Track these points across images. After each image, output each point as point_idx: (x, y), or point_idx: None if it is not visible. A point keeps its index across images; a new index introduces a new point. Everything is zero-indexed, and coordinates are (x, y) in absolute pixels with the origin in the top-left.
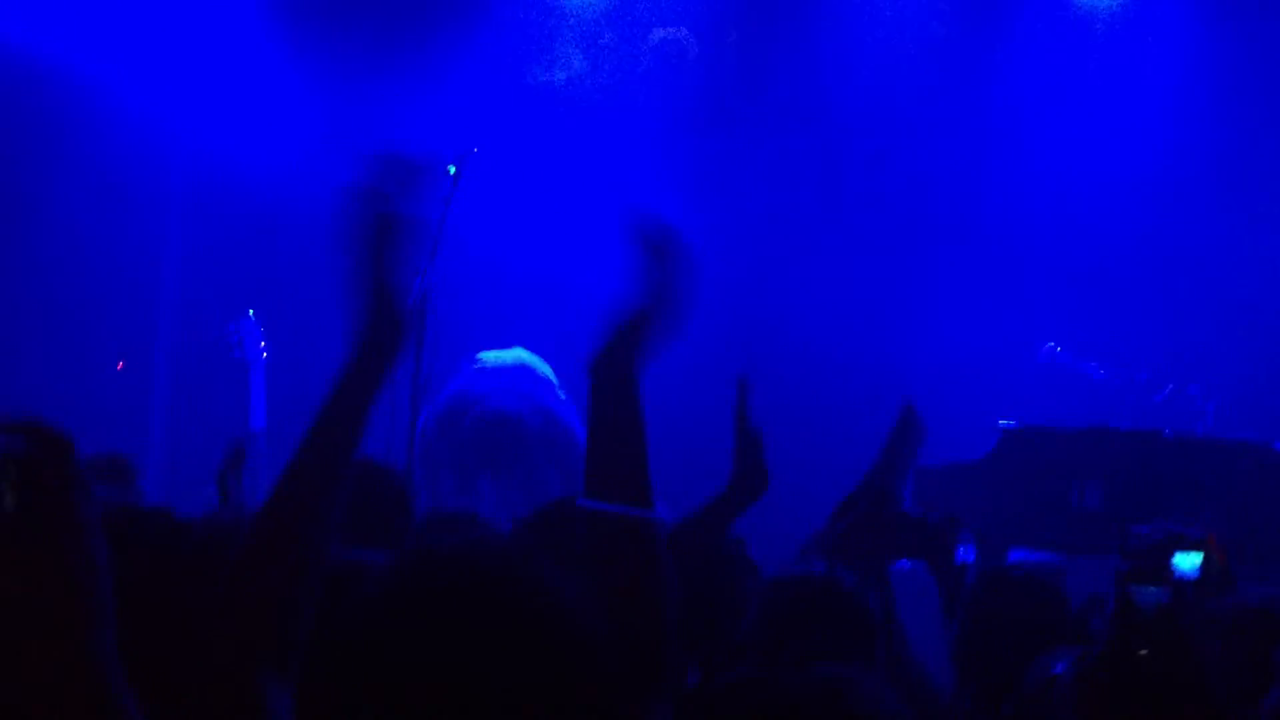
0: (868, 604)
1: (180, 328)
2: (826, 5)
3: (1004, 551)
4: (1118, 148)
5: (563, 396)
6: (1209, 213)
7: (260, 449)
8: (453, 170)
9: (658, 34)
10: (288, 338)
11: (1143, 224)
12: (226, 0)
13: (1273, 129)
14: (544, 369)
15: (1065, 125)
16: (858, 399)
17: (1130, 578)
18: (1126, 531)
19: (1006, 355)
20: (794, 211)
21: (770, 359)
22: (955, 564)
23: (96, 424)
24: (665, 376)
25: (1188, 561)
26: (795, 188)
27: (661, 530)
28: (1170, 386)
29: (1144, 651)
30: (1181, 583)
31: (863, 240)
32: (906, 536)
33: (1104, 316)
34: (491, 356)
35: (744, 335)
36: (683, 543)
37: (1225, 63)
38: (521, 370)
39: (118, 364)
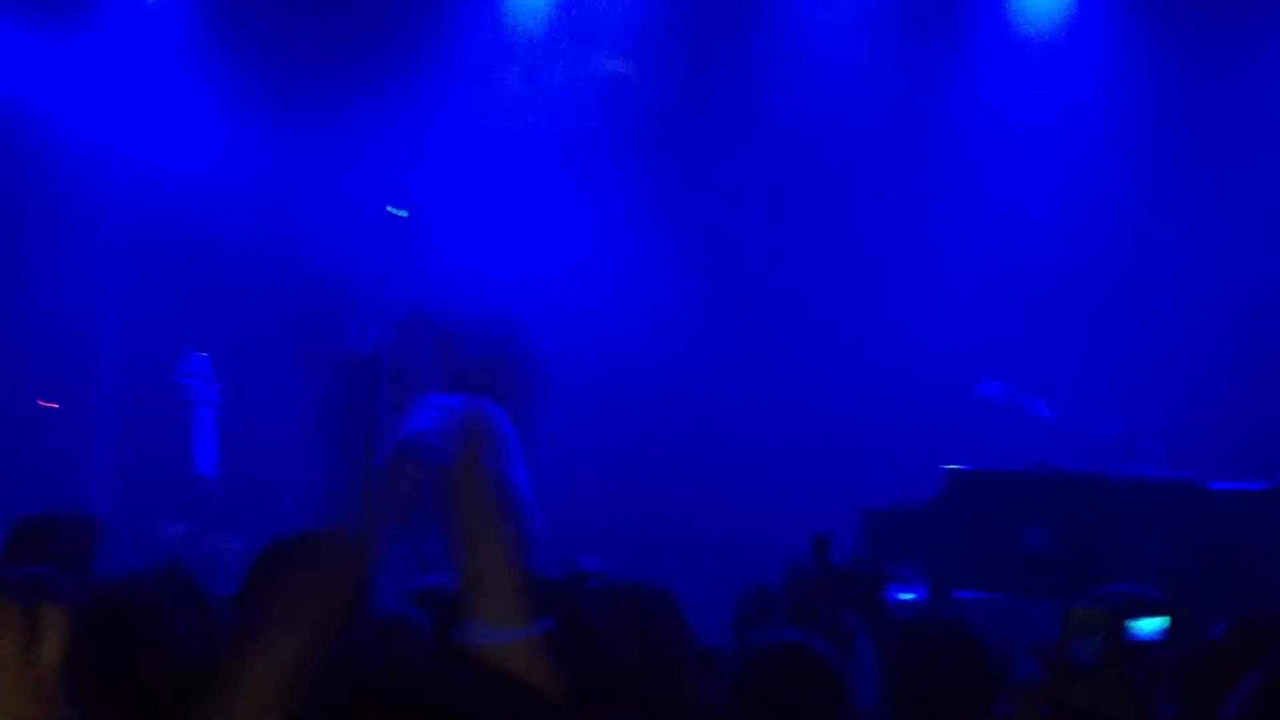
0: (840, 667)
1: (122, 365)
2: (768, 29)
3: (949, 594)
4: (1061, 176)
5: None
6: (1153, 246)
7: (211, 493)
8: (403, 213)
9: (600, 63)
10: (234, 375)
11: (1086, 257)
12: (168, 32)
13: (1218, 156)
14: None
15: (1009, 155)
16: (803, 434)
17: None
18: (1086, 594)
19: (951, 391)
20: (738, 239)
21: (711, 393)
22: (883, 613)
23: (37, 466)
24: (607, 402)
25: (1148, 626)
26: (739, 214)
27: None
28: (1116, 422)
29: (1080, 691)
30: (1144, 645)
31: (807, 270)
32: (838, 589)
33: (1049, 352)
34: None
35: (682, 366)
36: (619, 603)
37: (1171, 85)
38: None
39: (39, 402)
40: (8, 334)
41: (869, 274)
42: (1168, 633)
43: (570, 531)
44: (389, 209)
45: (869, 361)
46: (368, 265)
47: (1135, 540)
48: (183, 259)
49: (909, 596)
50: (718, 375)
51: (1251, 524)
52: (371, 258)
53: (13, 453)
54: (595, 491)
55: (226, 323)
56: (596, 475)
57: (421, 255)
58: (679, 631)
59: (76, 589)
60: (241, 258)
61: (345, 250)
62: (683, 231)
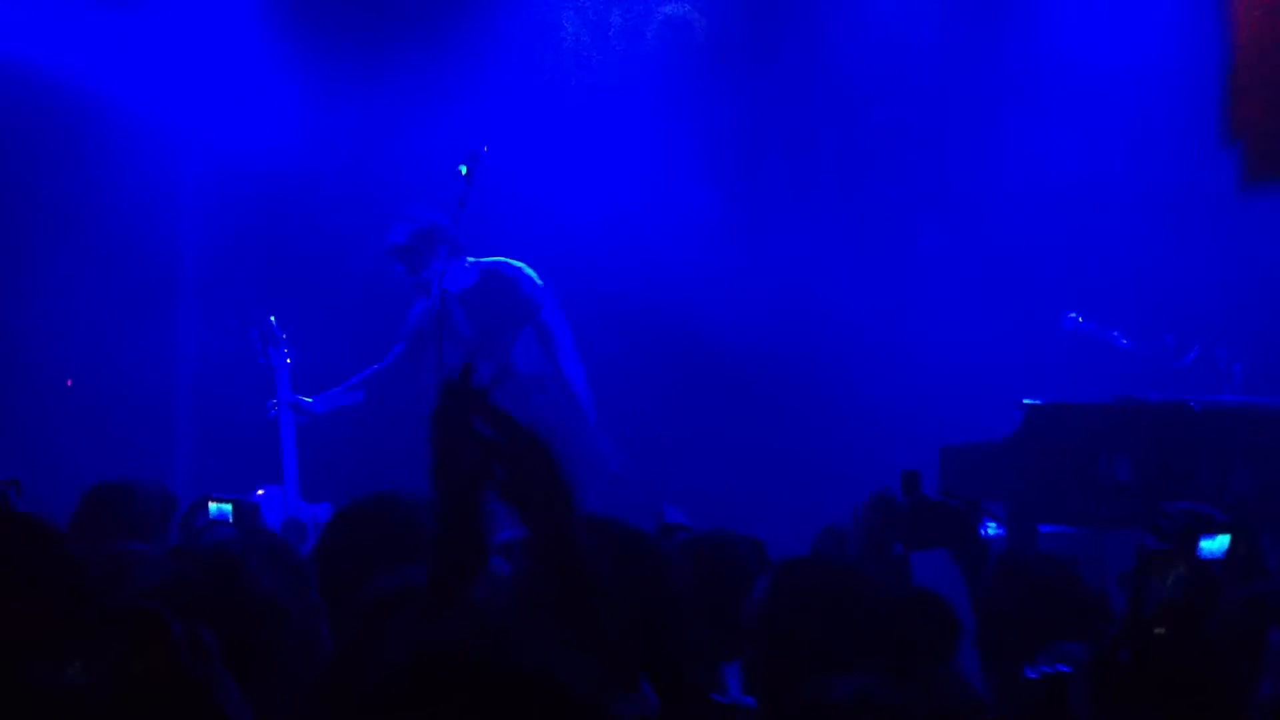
0: (891, 591)
1: (198, 335)
2: None
3: (1034, 530)
4: (1133, 111)
5: None
6: (1227, 171)
7: (289, 461)
8: (464, 170)
9: (663, 11)
10: (305, 342)
11: (1159, 187)
12: (231, 7)
13: None
14: None
15: (1080, 91)
16: (882, 378)
17: (1153, 562)
18: (1157, 511)
19: (1029, 328)
20: (808, 187)
21: (787, 336)
22: (977, 549)
23: (118, 433)
24: (686, 355)
25: (1214, 544)
26: (808, 163)
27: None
28: (1196, 350)
29: (1160, 631)
30: (1206, 564)
31: (879, 215)
32: (929, 524)
33: (1125, 283)
34: None
35: (759, 314)
36: (706, 548)
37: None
38: None
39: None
40: (85, 313)
41: (940, 213)
42: (1229, 551)
43: (656, 483)
44: (460, 168)
45: (943, 300)
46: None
47: (1218, 468)
48: (255, 232)
49: (992, 531)
50: (792, 321)
51: None
52: (441, 217)
53: (94, 428)
54: (679, 442)
55: (300, 295)
56: (679, 426)
57: (487, 212)
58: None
59: (156, 555)
60: (315, 228)
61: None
62: (749, 182)
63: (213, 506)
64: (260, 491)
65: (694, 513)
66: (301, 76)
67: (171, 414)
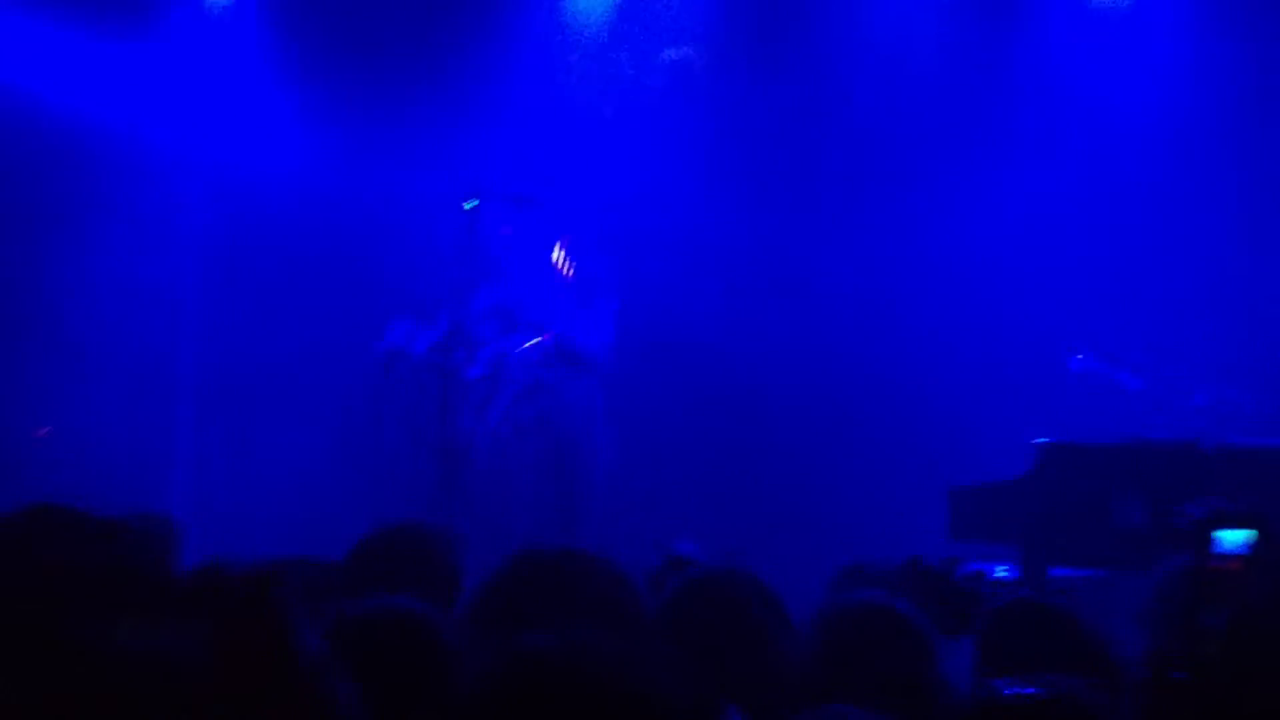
0: (927, 628)
1: (200, 365)
2: (834, 10)
3: (1045, 572)
4: (1142, 143)
5: None
6: (1238, 208)
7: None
8: (468, 206)
9: (668, 54)
10: (304, 364)
11: (1169, 223)
12: (237, 38)
13: None
14: None
15: (1089, 121)
16: (890, 413)
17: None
18: (1173, 512)
19: (1037, 366)
20: (811, 220)
21: (795, 373)
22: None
23: (120, 460)
24: (695, 386)
25: (1234, 537)
26: (811, 196)
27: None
28: (1207, 390)
29: (1211, 652)
30: (1228, 557)
31: (884, 250)
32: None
33: (1135, 321)
34: None
35: (763, 347)
36: (712, 586)
37: (1253, 55)
38: None
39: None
40: (91, 339)
41: (949, 249)
42: (1251, 546)
43: (665, 516)
44: (465, 205)
45: (953, 336)
46: (441, 263)
47: None
48: (257, 261)
49: (1003, 574)
50: (800, 355)
51: None
52: (444, 255)
53: (91, 456)
54: (688, 475)
55: (302, 322)
56: (688, 459)
57: (491, 248)
58: (771, 614)
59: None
60: (316, 258)
61: (419, 248)
62: (757, 214)
63: None
64: None
65: (705, 545)
66: (305, 105)
67: (172, 439)
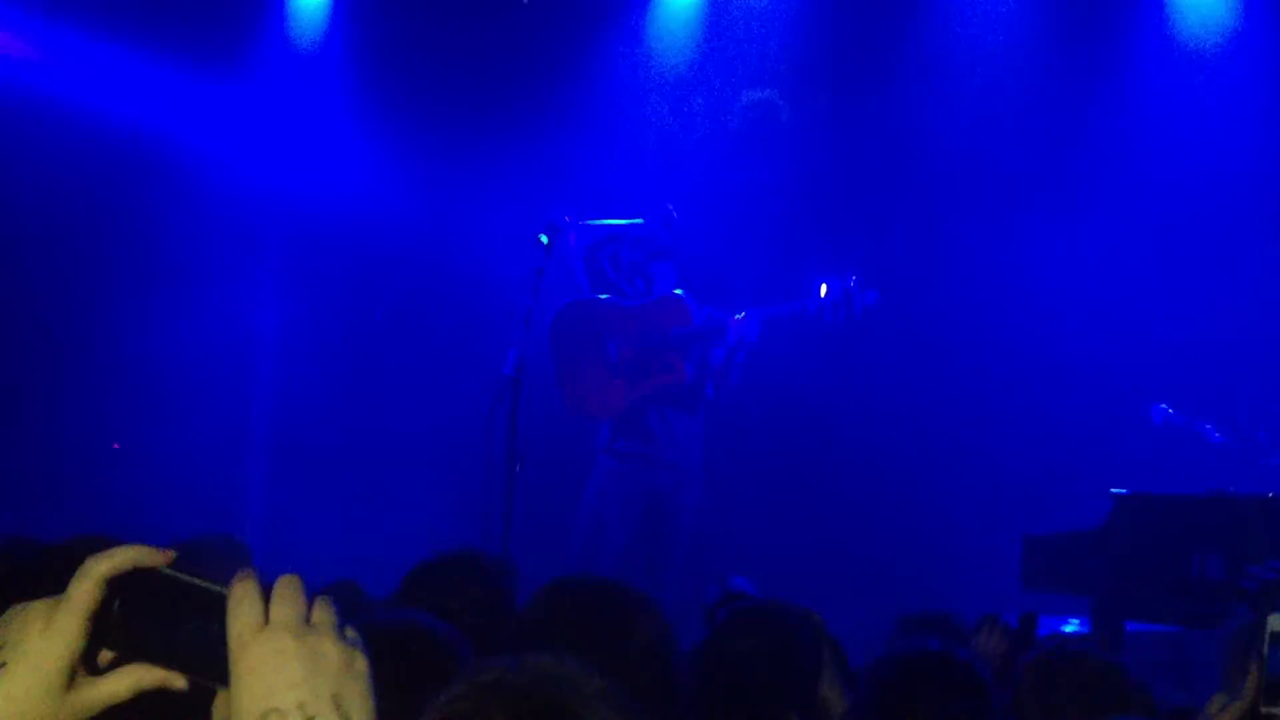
0: (985, 676)
1: (278, 394)
2: (915, 64)
3: (1120, 627)
4: (1233, 196)
5: None
6: None
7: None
8: (545, 240)
9: (748, 96)
10: (382, 399)
11: (1257, 277)
12: (325, 75)
13: None
14: None
15: (1179, 170)
16: (968, 465)
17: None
18: (1241, 573)
19: (1119, 418)
20: (888, 263)
21: (870, 417)
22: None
23: (194, 490)
24: (762, 426)
25: None
26: (888, 242)
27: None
28: None
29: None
30: None
31: (964, 301)
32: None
33: (1218, 376)
34: None
35: (839, 394)
36: (758, 618)
37: None
38: None
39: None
40: (170, 370)
41: (1029, 296)
42: None
43: (727, 552)
44: (540, 238)
45: (1032, 385)
46: (515, 293)
47: None
48: (338, 294)
49: (1073, 628)
50: (876, 400)
51: None
52: (519, 286)
53: (168, 479)
54: (754, 514)
55: (380, 351)
56: (762, 501)
57: (565, 282)
58: (820, 652)
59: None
60: (397, 291)
61: (497, 282)
62: (829, 257)
63: None
64: None
65: (763, 584)
66: (385, 143)
67: (246, 464)
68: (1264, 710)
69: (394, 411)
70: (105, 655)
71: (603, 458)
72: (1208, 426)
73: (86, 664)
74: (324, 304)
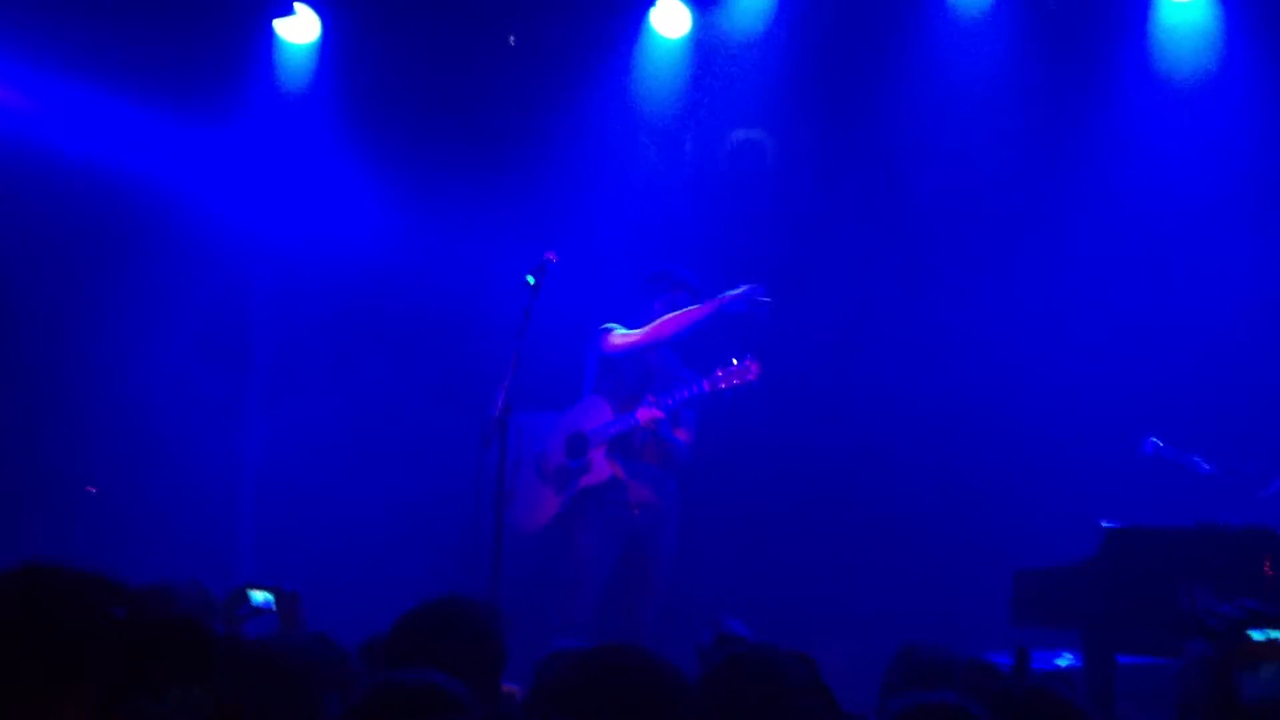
0: None
1: (265, 444)
2: (902, 101)
3: (1111, 660)
4: (1223, 230)
5: None
6: None
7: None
8: (531, 281)
9: (734, 135)
10: (373, 430)
11: (1245, 310)
12: (312, 120)
13: None
14: None
15: (1166, 206)
16: (957, 499)
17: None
18: (1207, 611)
19: (1109, 450)
20: (874, 301)
21: (857, 453)
22: None
23: (184, 520)
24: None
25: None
26: (875, 280)
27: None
28: (1279, 480)
29: None
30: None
31: (951, 335)
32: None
33: (1209, 408)
34: None
35: (827, 430)
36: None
37: None
38: None
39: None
40: (158, 416)
41: (1017, 331)
42: None
43: (716, 590)
44: (528, 278)
45: (1022, 418)
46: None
47: None
48: (326, 335)
49: (1065, 661)
50: (865, 435)
51: None
52: (510, 326)
53: (155, 529)
54: (743, 549)
55: (370, 393)
56: (750, 538)
57: (553, 324)
58: (815, 699)
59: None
60: (385, 332)
61: (486, 323)
62: (818, 298)
63: (255, 595)
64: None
65: (753, 620)
66: (373, 187)
67: (236, 507)
68: None
69: (383, 454)
70: None
71: (582, 500)
72: (1197, 459)
73: None
74: (311, 345)
